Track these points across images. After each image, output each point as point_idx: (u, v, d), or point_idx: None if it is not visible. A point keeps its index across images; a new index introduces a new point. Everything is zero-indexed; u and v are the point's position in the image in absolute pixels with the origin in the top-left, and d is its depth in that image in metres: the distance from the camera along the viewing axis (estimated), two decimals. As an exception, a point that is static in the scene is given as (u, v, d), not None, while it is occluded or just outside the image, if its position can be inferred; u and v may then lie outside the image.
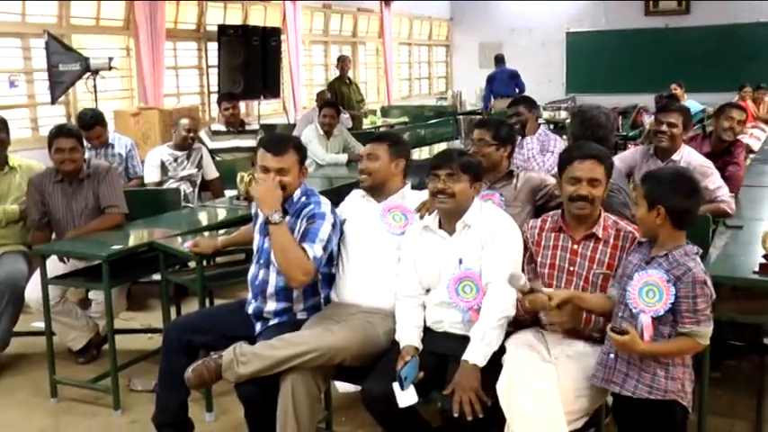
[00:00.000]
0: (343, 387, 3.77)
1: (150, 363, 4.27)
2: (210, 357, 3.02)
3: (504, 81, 13.17)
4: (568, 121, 9.93)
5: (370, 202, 3.42)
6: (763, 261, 3.16)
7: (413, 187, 3.50)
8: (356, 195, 3.53)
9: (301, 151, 3.32)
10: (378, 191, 3.41)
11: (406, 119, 12.10)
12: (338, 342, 2.96)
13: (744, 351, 4.28)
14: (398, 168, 3.43)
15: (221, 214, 4.97)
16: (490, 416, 2.71)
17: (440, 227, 3.12)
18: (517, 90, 12.79)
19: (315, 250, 3.11)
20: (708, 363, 3.25)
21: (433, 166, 3.08)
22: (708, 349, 3.19)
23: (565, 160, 2.98)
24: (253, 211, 3.59)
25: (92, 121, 5.64)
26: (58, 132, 4.39)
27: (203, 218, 4.91)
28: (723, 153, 4.98)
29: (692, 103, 10.45)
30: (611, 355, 2.65)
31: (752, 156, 6.59)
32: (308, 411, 2.92)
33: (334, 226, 3.24)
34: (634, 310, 2.57)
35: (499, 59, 13.41)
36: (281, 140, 3.36)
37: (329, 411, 3.68)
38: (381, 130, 10.38)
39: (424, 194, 3.32)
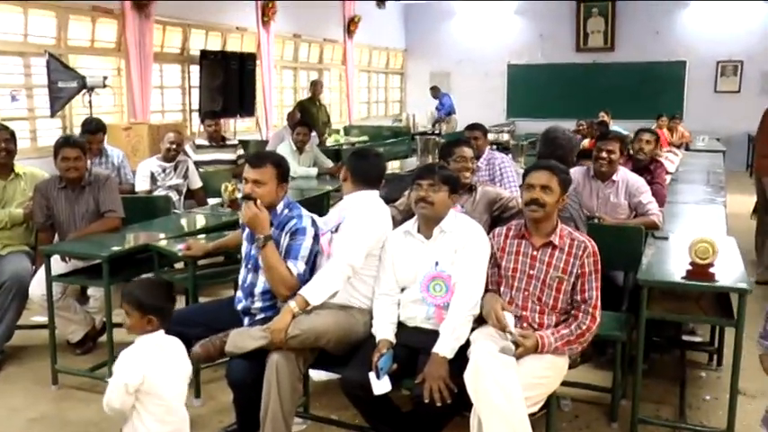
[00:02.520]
0: (318, 375, 3.75)
1: (142, 353, 4.19)
2: (216, 336, 3.04)
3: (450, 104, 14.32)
4: (512, 143, 10.08)
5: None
6: (690, 268, 3.25)
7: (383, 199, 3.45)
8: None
9: (281, 168, 3.24)
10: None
11: (365, 138, 12.11)
12: (324, 325, 2.97)
13: (666, 346, 4.39)
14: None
15: (206, 220, 4.92)
16: (456, 402, 2.74)
17: (418, 231, 3.14)
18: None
19: (298, 267, 3.10)
20: (641, 357, 3.34)
21: (418, 177, 3.11)
22: (642, 345, 3.31)
23: (526, 172, 3.04)
24: (241, 220, 3.55)
25: (96, 128, 5.69)
26: (65, 143, 4.32)
27: (191, 223, 4.86)
28: (643, 171, 5.12)
29: (617, 129, 10.63)
30: None
31: (668, 177, 6.74)
32: (289, 389, 2.93)
33: (314, 237, 3.19)
34: None
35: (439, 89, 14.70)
36: (261, 156, 3.30)
37: (307, 397, 3.66)
38: (344, 147, 10.38)
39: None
